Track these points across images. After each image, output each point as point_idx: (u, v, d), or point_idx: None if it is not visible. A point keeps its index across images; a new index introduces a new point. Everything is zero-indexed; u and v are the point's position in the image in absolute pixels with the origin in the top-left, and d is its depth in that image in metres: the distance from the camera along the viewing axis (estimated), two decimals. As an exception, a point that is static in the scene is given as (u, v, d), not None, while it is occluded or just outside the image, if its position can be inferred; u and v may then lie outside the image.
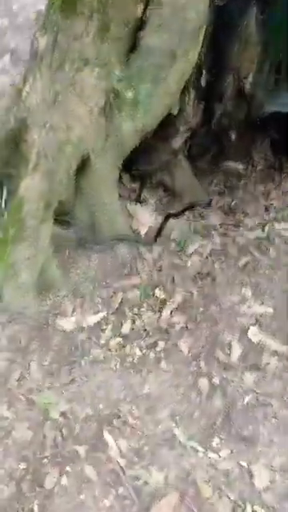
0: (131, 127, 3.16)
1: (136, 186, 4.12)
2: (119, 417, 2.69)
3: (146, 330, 3.16)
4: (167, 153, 3.78)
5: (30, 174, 3.09)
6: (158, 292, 3.39)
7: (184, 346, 3.07)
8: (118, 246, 3.67)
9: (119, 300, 3.32)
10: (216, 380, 2.90)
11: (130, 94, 3.01)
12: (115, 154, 3.25)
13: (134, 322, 3.21)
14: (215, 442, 2.64)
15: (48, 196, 3.19)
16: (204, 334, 3.15)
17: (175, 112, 3.38)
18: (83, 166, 3.31)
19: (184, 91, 3.27)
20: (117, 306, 3.29)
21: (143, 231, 3.84)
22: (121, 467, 2.49)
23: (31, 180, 3.10)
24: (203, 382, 2.89)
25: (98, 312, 3.27)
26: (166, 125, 3.45)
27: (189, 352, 3.05)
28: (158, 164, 3.89)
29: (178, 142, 3.70)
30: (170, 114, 3.35)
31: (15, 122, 3.12)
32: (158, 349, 3.06)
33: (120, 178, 4.08)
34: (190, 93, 3.39)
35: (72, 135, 3.06)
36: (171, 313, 3.26)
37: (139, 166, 3.94)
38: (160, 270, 3.57)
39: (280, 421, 2.74)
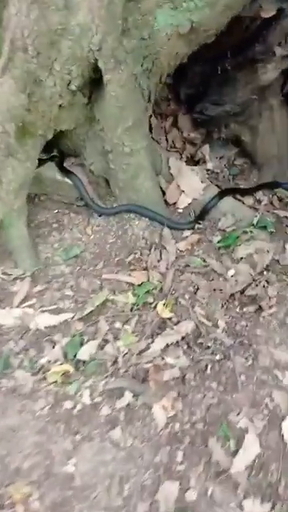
0: (172, 24, 1.79)
1: (197, 136, 2.75)
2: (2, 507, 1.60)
3: (115, 362, 1.95)
4: (250, 89, 2.32)
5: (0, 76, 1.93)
6: (161, 306, 2.12)
7: (161, 412, 1.81)
8: (135, 219, 2.43)
9: (101, 300, 2.13)
10: (191, 494, 1.63)
11: None
12: (141, 66, 1.93)
13: (104, 343, 2.01)
14: None
15: (25, 117, 2.03)
16: (205, 402, 1.85)
17: (268, 14, 1.90)
18: (95, 82, 2.07)
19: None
20: (92, 309, 2.11)
21: (182, 205, 2.52)
22: None
23: (0, 87, 1.95)
24: (169, 489, 1.64)
25: (60, 311, 2.12)
26: (252, 39, 2.01)
27: (167, 426, 1.80)
28: (233, 106, 2.46)
29: (269, 74, 2.22)
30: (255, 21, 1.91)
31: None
32: (119, 404, 1.84)
33: (175, 118, 2.76)
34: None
35: (72, 20, 1.81)
36: (167, 346, 1.99)
37: (205, 108, 2.55)
38: (181, 272, 2.27)
39: None
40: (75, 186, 2.39)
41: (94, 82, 2.10)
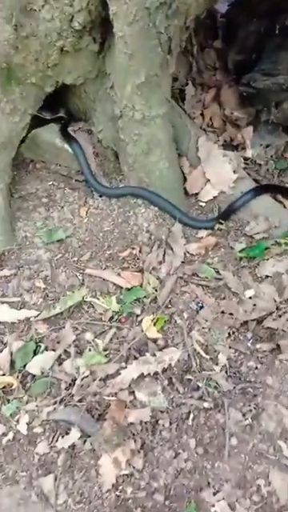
0: None
1: (241, 115, 2.20)
2: None
3: (70, 386, 1.50)
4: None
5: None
6: (148, 322, 1.63)
7: (111, 467, 1.33)
8: (142, 206, 1.94)
9: (75, 301, 1.68)
10: None
11: None
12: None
13: (64, 358, 1.56)
14: None
15: (11, 56, 1.60)
16: (175, 465, 1.36)
17: None
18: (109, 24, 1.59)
19: None
20: (62, 310, 1.66)
21: (205, 197, 1.99)
22: None
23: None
24: None
25: (23, 306, 1.70)
26: None
27: (116, 488, 1.32)
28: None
29: None
30: None
31: None
32: (61, 443, 1.38)
33: (218, 92, 2.23)
34: None
35: None
36: (142, 377, 1.50)
37: (253, 79, 1.99)
38: (185, 282, 1.76)
39: None
40: (75, 155, 1.94)
41: (107, 24, 1.62)
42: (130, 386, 1.48)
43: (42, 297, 1.72)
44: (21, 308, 1.69)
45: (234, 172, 1.96)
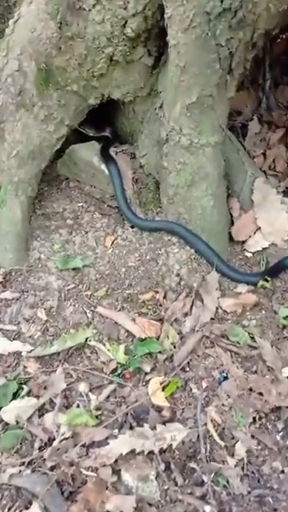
0: None
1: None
2: None
3: (45, 446, 1.21)
4: None
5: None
6: (157, 384, 1.33)
7: None
8: (176, 245, 1.67)
9: (77, 342, 1.42)
10: None
11: None
12: (220, 2, 1.19)
13: (47, 409, 1.29)
14: None
15: (52, 57, 1.44)
16: None
17: None
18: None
19: None
20: (60, 350, 1.41)
21: (253, 247, 1.70)
22: None
23: (27, 6, 1.40)
24: None
25: (17, 337, 1.46)
26: None
27: None
28: None
29: None
30: None
31: None
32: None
33: (286, 133, 1.97)
34: None
35: None
36: (134, 454, 1.19)
37: None
38: (211, 344, 1.45)
39: None
40: (111, 178, 1.73)
41: (165, 36, 1.42)
42: (116, 461, 1.18)
43: (41, 330, 1.48)
44: (14, 339, 1.46)
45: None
